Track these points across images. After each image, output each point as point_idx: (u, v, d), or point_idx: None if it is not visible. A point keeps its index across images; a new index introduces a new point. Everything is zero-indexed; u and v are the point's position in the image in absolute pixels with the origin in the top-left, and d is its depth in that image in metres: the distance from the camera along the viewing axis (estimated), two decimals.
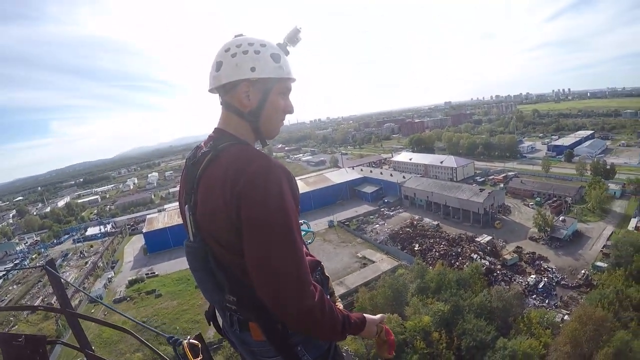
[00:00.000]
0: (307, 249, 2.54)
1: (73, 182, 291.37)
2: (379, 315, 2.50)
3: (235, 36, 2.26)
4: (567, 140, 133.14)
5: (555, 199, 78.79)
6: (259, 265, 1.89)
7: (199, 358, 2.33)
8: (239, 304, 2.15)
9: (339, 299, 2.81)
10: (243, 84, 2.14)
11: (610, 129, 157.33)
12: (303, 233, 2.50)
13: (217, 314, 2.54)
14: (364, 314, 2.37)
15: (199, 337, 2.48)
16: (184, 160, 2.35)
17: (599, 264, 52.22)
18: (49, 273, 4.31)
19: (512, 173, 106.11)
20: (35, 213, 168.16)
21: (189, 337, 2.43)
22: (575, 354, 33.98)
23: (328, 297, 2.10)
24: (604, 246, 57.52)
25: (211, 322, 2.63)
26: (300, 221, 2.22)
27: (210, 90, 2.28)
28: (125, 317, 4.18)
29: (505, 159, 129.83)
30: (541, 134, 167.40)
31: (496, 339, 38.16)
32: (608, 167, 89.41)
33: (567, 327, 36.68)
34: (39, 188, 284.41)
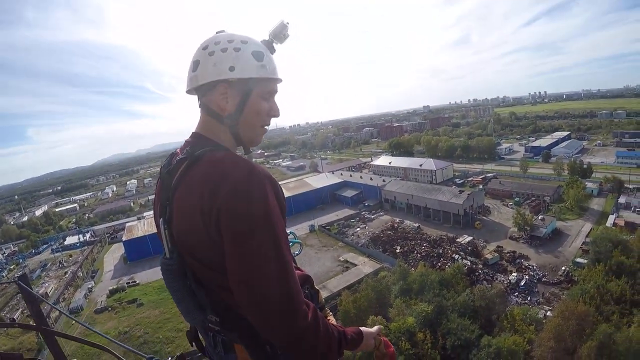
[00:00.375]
0: (295, 262, 2.37)
1: (51, 190, 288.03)
2: (375, 327, 2.33)
3: (217, 32, 2.04)
4: (544, 142, 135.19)
5: (533, 198, 79.75)
6: (243, 284, 1.66)
7: None
8: (222, 324, 1.95)
9: (331, 313, 2.62)
10: (221, 85, 1.93)
11: (586, 130, 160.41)
12: (290, 244, 2.21)
13: (200, 334, 2.28)
14: (360, 328, 2.20)
15: (181, 358, 2.39)
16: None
17: (579, 260, 52.94)
18: (22, 289, 4.13)
19: (491, 174, 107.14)
20: (12, 222, 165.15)
21: (169, 357, 2.40)
22: (560, 348, 34.21)
23: (319, 312, 1.88)
24: (583, 243, 58.33)
25: (193, 343, 2.32)
26: (287, 231, 1.95)
27: (188, 92, 2.06)
28: (103, 336, 4.04)
29: (484, 160, 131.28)
30: (518, 136, 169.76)
31: (481, 337, 38.26)
32: (585, 166, 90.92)
33: (551, 322, 37.02)
34: (16, 197, 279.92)
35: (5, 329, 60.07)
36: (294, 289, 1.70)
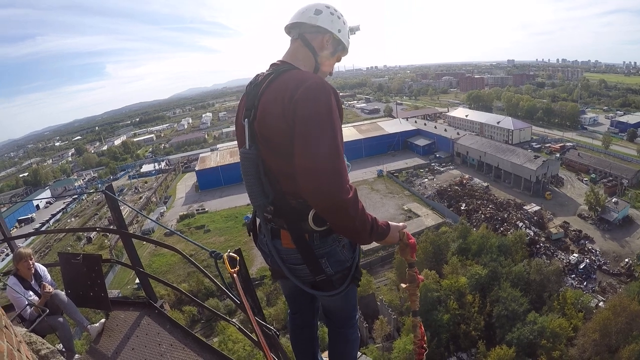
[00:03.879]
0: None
1: (129, 122, 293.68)
2: (401, 223, 2.78)
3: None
4: (632, 118, 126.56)
5: (611, 178, 75.65)
6: (305, 155, 2.26)
7: (236, 269, 2.70)
8: (275, 212, 2.60)
9: None
10: (329, 34, 2.73)
11: None
12: None
13: (255, 227, 3.04)
14: (388, 221, 2.65)
15: (238, 252, 2.83)
16: (240, 97, 2.85)
17: None
18: (107, 197, 5.08)
19: (570, 144, 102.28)
20: (92, 151, 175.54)
21: (229, 250, 2.79)
22: (603, 343, 33.67)
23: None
24: None
25: (251, 233, 3.10)
26: None
27: (291, 25, 2.77)
28: (175, 232, 4.80)
29: (565, 128, 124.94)
30: (606, 107, 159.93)
31: (528, 312, 38.53)
32: None
33: (600, 314, 36.24)
34: (97, 128, 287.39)
35: (82, 246, 65.54)
36: (342, 168, 2.29)
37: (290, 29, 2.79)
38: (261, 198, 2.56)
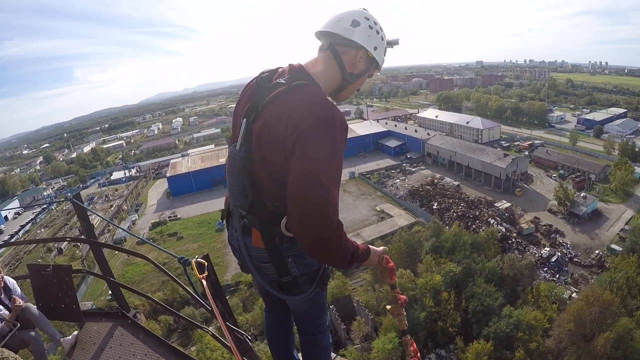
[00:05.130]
0: None
1: (98, 128, 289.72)
2: (381, 248, 2.75)
3: (365, 10, 2.55)
4: (598, 116, 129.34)
5: (579, 174, 77.18)
6: (300, 182, 2.11)
7: (205, 274, 2.66)
8: (250, 211, 2.51)
9: None
10: (363, 51, 2.47)
11: None
12: None
13: (230, 221, 2.87)
14: (369, 246, 2.60)
15: (206, 257, 2.79)
16: (233, 101, 2.85)
17: (614, 246, 52.08)
18: (76, 205, 4.93)
19: (538, 142, 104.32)
20: (61, 159, 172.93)
21: (197, 256, 2.74)
22: (578, 332, 34.35)
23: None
24: (621, 229, 56.80)
25: (223, 220, 2.97)
26: None
27: (323, 32, 2.51)
28: (145, 241, 4.71)
29: (533, 126, 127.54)
30: (572, 106, 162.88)
31: (503, 306, 39.00)
32: (637, 149, 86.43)
33: (574, 305, 36.97)
34: (65, 135, 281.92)
35: (54, 257, 64.26)
36: (335, 203, 2.16)
37: (320, 35, 2.56)
38: (241, 199, 2.50)
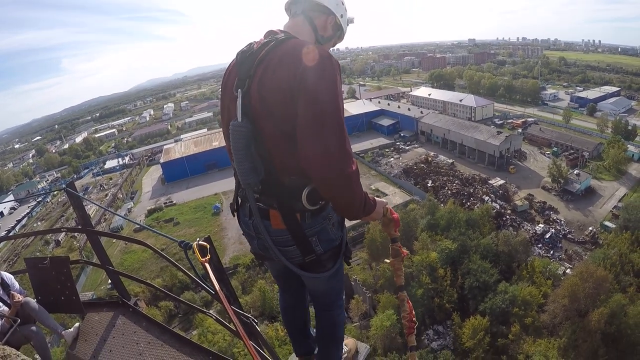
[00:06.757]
0: None
1: (89, 118, 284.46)
2: (384, 199, 2.84)
3: None
4: (591, 94, 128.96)
5: (572, 151, 77.32)
6: (312, 133, 2.17)
7: (207, 257, 2.62)
8: (265, 191, 2.46)
9: None
10: (332, 16, 2.69)
11: (637, 89, 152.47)
12: None
13: (241, 210, 2.82)
14: (375, 197, 2.68)
15: (208, 239, 2.79)
16: (219, 81, 2.81)
17: (607, 223, 52.50)
18: (70, 195, 4.80)
19: (532, 119, 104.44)
20: (54, 151, 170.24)
21: (198, 239, 2.72)
22: (572, 308, 34.82)
23: None
24: (614, 207, 57.29)
25: (235, 213, 2.91)
26: None
27: (293, 1, 2.71)
28: (144, 227, 4.72)
29: (526, 104, 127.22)
30: (565, 84, 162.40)
31: (498, 282, 39.51)
32: (630, 127, 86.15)
33: (568, 280, 37.39)
34: (56, 126, 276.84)
35: (52, 250, 63.83)
36: (348, 143, 2.25)
37: (291, 5, 2.72)
38: (252, 175, 2.39)
